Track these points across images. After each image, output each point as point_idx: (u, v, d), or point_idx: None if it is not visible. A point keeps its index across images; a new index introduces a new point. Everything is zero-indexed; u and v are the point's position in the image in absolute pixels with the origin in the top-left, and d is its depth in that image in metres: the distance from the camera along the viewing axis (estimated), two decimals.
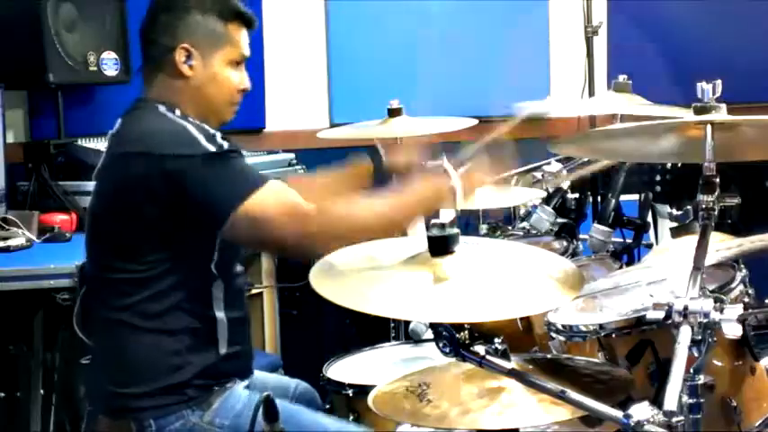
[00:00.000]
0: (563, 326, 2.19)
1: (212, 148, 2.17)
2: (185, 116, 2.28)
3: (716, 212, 1.83)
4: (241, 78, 2.38)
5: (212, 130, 2.22)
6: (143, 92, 2.37)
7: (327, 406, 2.65)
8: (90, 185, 2.44)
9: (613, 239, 3.08)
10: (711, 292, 1.93)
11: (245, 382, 2.35)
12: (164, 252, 2.20)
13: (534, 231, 3.17)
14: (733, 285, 2.15)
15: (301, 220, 2.15)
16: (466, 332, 1.70)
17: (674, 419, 1.52)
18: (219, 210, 2.14)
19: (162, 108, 2.29)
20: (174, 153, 2.16)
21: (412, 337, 3.02)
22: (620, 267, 2.82)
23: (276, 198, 2.17)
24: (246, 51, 2.39)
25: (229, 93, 2.36)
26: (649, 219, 3.26)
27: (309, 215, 2.15)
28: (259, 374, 2.52)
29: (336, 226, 2.17)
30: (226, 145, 2.19)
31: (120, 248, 2.24)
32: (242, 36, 2.38)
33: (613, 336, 2.13)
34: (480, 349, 1.70)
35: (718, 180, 1.83)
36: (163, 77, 2.33)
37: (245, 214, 2.13)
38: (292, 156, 3.98)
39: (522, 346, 2.52)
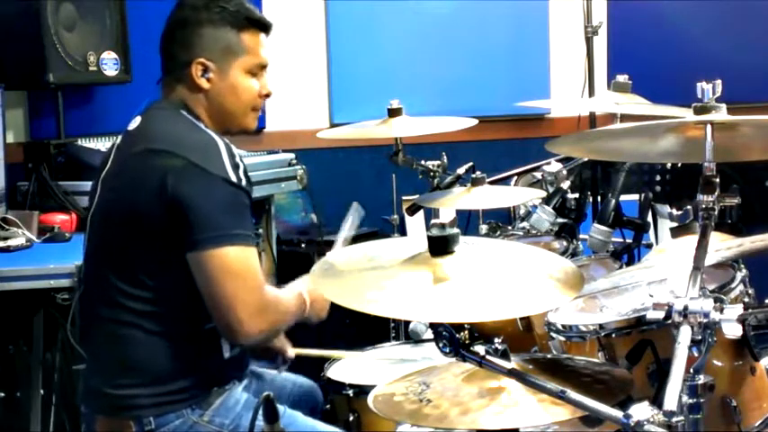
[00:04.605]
0: (563, 326, 2.19)
1: (233, 178, 2.18)
2: (211, 128, 2.30)
3: (716, 212, 1.83)
4: (262, 85, 2.39)
5: (239, 158, 2.23)
6: (163, 98, 2.37)
7: (328, 406, 2.66)
8: (90, 185, 2.44)
9: (613, 239, 3.07)
10: (711, 292, 1.93)
11: (244, 383, 2.36)
12: (172, 250, 2.19)
13: (534, 231, 3.17)
14: (733, 285, 2.15)
15: (257, 302, 2.19)
16: (466, 332, 1.70)
17: (674, 419, 1.52)
18: (199, 235, 2.15)
19: (185, 113, 2.31)
20: (197, 162, 2.17)
21: (412, 337, 3.02)
22: (620, 267, 2.81)
23: (251, 266, 2.19)
24: (264, 59, 2.39)
25: (250, 100, 2.38)
26: (649, 219, 3.26)
27: (264, 307, 2.21)
28: (259, 374, 2.53)
29: (273, 328, 2.31)
30: (244, 182, 2.20)
31: (129, 246, 2.24)
32: (258, 43, 2.37)
33: (613, 336, 2.13)
34: (480, 349, 1.70)
35: (718, 180, 1.83)
36: (183, 89, 2.34)
37: (215, 258, 2.15)
38: (292, 156, 3.98)
39: (522, 346, 2.52)
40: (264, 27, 2.39)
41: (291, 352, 2.63)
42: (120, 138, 2.40)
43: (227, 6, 2.33)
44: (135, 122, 2.35)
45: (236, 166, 2.20)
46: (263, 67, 2.39)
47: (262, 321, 2.20)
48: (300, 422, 2.32)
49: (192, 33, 2.32)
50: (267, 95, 2.41)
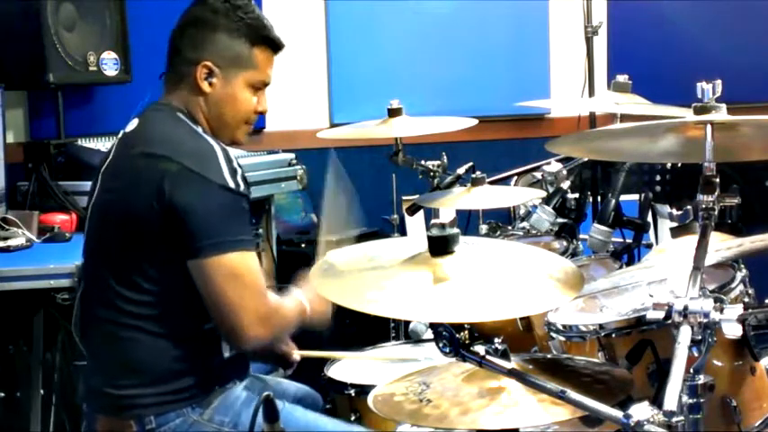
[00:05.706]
0: (563, 326, 2.19)
1: (231, 184, 2.18)
2: (208, 133, 2.30)
3: (716, 212, 1.83)
4: (259, 101, 2.39)
5: (236, 162, 2.23)
6: (163, 97, 2.37)
7: (329, 406, 2.65)
8: (89, 185, 2.43)
9: (613, 239, 3.07)
10: (711, 292, 1.93)
11: (244, 382, 2.36)
12: (170, 254, 2.19)
13: (534, 231, 3.17)
14: (733, 285, 2.15)
15: (260, 307, 2.19)
16: (466, 332, 1.70)
17: (674, 419, 1.52)
18: (200, 243, 2.15)
19: (183, 117, 2.30)
20: (194, 169, 2.17)
21: (412, 337, 3.02)
22: (620, 267, 2.81)
23: (253, 271, 2.19)
24: (269, 78, 2.40)
25: (246, 113, 2.38)
26: (649, 219, 3.26)
27: (266, 312, 2.21)
28: (259, 377, 2.53)
29: (275, 333, 2.32)
30: (242, 187, 2.20)
31: (125, 249, 2.24)
32: (267, 60, 2.38)
33: (613, 336, 2.13)
34: (480, 349, 1.70)
35: (718, 180, 1.83)
36: (183, 88, 2.34)
37: (217, 265, 2.15)
38: (292, 156, 3.98)
39: (522, 346, 2.52)
40: (277, 47, 2.40)
41: (297, 355, 2.63)
42: (116, 139, 2.39)
43: (247, 18, 2.33)
44: (132, 124, 2.35)
45: (233, 172, 2.20)
46: (265, 84, 2.40)
47: (264, 326, 2.21)
48: (300, 415, 2.33)
49: (206, 35, 2.32)
50: (262, 113, 2.41)
